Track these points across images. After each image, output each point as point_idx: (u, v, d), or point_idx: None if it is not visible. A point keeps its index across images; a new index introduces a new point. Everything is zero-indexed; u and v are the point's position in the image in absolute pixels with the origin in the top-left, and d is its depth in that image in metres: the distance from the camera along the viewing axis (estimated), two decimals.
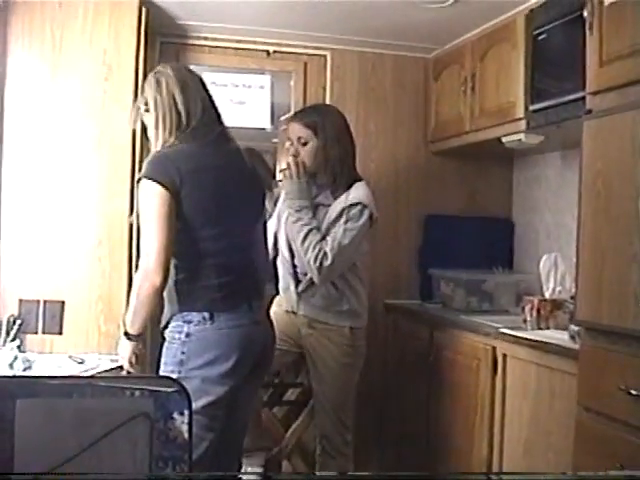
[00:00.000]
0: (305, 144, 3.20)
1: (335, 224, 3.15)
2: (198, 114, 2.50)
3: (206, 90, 2.59)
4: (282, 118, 4.23)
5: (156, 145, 2.50)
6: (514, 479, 1.98)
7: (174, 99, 2.48)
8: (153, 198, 2.36)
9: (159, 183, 2.35)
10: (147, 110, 2.54)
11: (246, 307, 2.49)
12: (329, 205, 3.20)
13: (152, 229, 2.35)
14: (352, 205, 3.14)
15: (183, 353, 2.41)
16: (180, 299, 2.45)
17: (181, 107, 2.48)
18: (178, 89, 2.49)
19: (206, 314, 2.41)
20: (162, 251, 2.33)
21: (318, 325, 3.24)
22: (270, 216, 3.33)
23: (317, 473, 3.30)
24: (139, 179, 2.42)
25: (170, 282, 2.43)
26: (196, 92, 2.53)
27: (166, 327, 2.51)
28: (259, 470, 3.35)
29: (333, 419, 3.28)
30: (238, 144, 2.65)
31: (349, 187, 3.20)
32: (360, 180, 3.26)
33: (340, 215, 3.14)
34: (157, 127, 2.50)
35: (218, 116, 2.59)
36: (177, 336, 2.43)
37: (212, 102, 2.59)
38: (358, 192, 3.19)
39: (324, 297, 3.23)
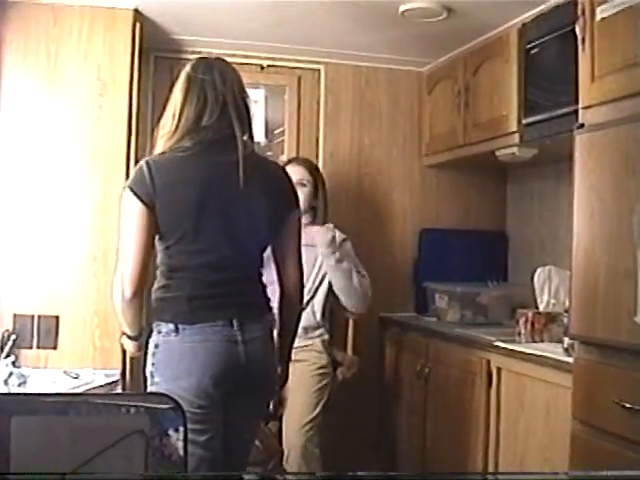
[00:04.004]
0: (304, 186, 3.54)
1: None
2: (191, 120, 2.34)
3: (236, 89, 2.43)
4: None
5: (153, 150, 2.42)
6: (510, 479, 2.00)
7: (177, 102, 2.37)
8: (129, 209, 2.30)
9: (135, 194, 2.28)
10: None
11: (223, 324, 2.30)
12: (314, 245, 3.45)
13: (125, 241, 2.30)
14: (345, 240, 3.62)
15: (153, 364, 2.33)
16: (154, 307, 2.37)
17: (177, 112, 2.35)
18: (182, 92, 2.37)
19: (172, 325, 2.29)
20: (132, 264, 2.27)
21: None
22: None
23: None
24: (124, 187, 2.36)
25: (153, 289, 2.38)
26: (199, 93, 2.35)
27: None
28: None
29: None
30: (242, 155, 2.34)
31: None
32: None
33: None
34: (158, 130, 2.41)
35: (230, 121, 2.36)
36: (150, 345, 2.36)
37: (232, 103, 2.39)
38: (333, 228, 3.62)
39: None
